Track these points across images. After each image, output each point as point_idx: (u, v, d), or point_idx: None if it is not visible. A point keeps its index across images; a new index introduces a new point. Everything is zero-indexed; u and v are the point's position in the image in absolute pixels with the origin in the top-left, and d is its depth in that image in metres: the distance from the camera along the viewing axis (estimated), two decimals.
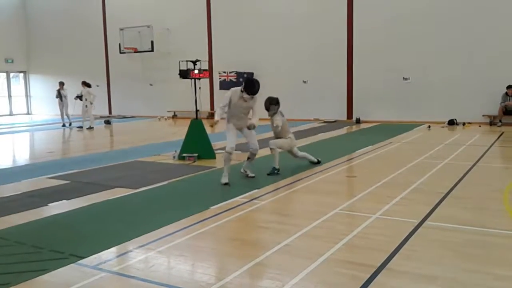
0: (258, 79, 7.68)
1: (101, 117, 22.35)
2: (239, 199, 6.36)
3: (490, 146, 10.74)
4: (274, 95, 8.39)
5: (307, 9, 18.43)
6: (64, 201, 6.53)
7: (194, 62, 10.26)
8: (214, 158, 9.71)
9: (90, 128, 17.33)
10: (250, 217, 5.66)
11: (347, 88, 18.01)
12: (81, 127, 17.57)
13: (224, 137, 8.17)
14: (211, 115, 20.29)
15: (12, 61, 26.84)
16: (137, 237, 4.86)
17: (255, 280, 3.85)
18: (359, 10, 17.48)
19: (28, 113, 27.61)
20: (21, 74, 27.76)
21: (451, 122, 15.67)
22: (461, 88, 16.03)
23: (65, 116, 18.52)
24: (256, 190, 6.83)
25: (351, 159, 9.60)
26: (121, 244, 4.68)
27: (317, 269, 3.94)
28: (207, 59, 20.19)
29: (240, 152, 9.50)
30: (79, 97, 17.69)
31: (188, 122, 10.37)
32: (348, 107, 18.12)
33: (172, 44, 21.58)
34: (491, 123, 15.47)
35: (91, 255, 4.35)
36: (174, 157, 9.84)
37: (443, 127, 15.24)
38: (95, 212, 6.00)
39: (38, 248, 4.62)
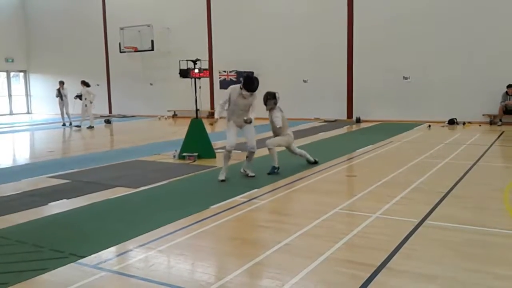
0: (258, 78, 7.68)
1: (101, 116, 22.35)
2: (239, 198, 6.36)
3: (490, 146, 10.74)
4: None
5: (307, 8, 18.43)
6: (65, 200, 6.54)
7: (194, 62, 10.26)
8: (214, 157, 9.71)
9: (90, 127, 17.34)
10: (250, 217, 5.66)
11: (347, 87, 18.02)
12: (79, 126, 17.58)
13: (224, 136, 8.17)
14: (211, 115, 20.30)
15: (12, 61, 26.85)
16: (137, 236, 4.86)
17: (255, 280, 3.85)
18: (359, 9, 17.48)
19: (28, 113, 27.63)
20: (21, 74, 27.77)
21: (451, 122, 15.67)
22: (461, 87, 16.03)
23: (65, 116, 18.52)
24: (256, 190, 6.83)
25: (351, 158, 9.60)
26: (121, 243, 4.68)
27: (317, 268, 3.94)
28: (207, 58, 20.20)
29: (240, 151, 9.50)
30: (79, 96, 17.70)
31: (188, 121, 10.37)
32: (348, 106, 18.13)
33: (172, 43, 21.58)
34: (491, 123, 15.47)
35: (91, 254, 4.35)
36: (174, 156, 9.84)
37: (443, 126, 15.24)
38: (96, 211, 6.01)
39: (38, 247, 4.62)
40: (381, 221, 5.21)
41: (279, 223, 5.34)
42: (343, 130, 15.12)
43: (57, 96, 18.61)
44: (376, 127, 15.64)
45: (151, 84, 22.95)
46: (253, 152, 7.78)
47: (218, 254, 4.47)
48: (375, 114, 17.53)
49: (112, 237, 4.87)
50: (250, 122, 7.52)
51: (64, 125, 18.45)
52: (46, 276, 3.94)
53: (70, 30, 25.20)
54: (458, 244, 4.43)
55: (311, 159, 8.77)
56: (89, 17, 24.48)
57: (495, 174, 7.86)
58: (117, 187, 7.30)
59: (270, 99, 8.17)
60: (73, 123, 18.10)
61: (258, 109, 7.71)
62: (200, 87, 10.27)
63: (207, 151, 9.81)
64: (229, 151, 7.57)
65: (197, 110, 10.33)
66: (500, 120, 15.16)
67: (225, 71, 19.94)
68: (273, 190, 6.89)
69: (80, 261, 4.22)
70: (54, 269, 4.05)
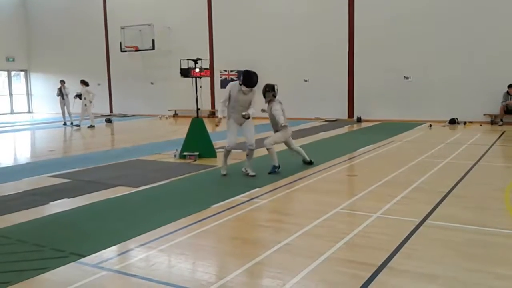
0: (257, 75, 7.60)
1: (102, 115, 22.36)
2: (240, 198, 6.36)
3: (491, 145, 10.73)
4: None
5: (308, 8, 18.42)
6: (65, 199, 6.54)
7: (195, 61, 10.26)
8: (215, 156, 9.71)
9: (91, 126, 17.35)
10: (250, 216, 5.66)
11: (348, 87, 18.01)
12: (78, 125, 17.59)
13: (224, 136, 8.17)
14: (212, 114, 20.32)
15: (13, 60, 26.86)
16: (138, 235, 4.86)
17: (256, 279, 3.85)
18: (360, 9, 17.47)
19: (29, 112, 27.65)
20: (22, 73, 27.79)
21: (452, 121, 15.66)
22: (462, 87, 16.02)
23: (66, 115, 18.53)
24: (256, 189, 6.83)
25: (352, 158, 9.59)
26: (122, 243, 4.68)
27: (317, 268, 3.94)
28: (208, 57, 20.20)
29: (240, 151, 9.49)
30: (79, 96, 17.70)
31: (189, 120, 10.37)
32: (349, 106, 18.12)
33: (173, 43, 21.58)
34: (492, 122, 15.46)
35: (92, 254, 4.35)
36: (175, 155, 9.84)
37: (444, 126, 15.23)
38: (96, 210, 6.01)
39: (39, 246, 4.62)
40: (382, 221, 5.21)
41: (279, 222, 5.34)
42: (344, 129, 15.12)
43: (58, 95, 18.63)
44: (377, 127, 15.64)
45: (152, 84, 22.95)
46: (252, 150, 7.77)
47: (219, 253, 4.47)
48: (376, 113, 17.52)
49: (113, 237, 4.88)
50: (248, 117, 7.51)
51: (65, 124, 18.46)
52: (47, 275, 3.94)
53: (71, 29, 25.21)
54: (459, 244, 4.43)
55: (307, 158, 8.68)
56: (90, 16, 24.49)
57: (496, 174, 7.86)
58: (118, 186, 7.30)
59: (269, 91, 8.14)
60: (74, 122, 18.11)
61: (258, 104, 7.72)
62: (201, 87, 10.28)
63: (208, 151, 9.81)
64: (229, 151, 7.57)
65: (198, 109, 10.33)
66: (501, 120, 15.15)
67: (225, 71, 20.01)
68: (273, 189, 6.89)
69: (81, 260, 4.22)
70: (55, 268, 4.06)
